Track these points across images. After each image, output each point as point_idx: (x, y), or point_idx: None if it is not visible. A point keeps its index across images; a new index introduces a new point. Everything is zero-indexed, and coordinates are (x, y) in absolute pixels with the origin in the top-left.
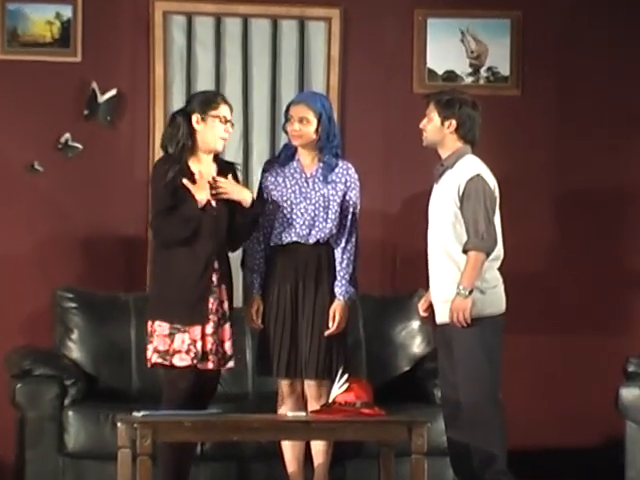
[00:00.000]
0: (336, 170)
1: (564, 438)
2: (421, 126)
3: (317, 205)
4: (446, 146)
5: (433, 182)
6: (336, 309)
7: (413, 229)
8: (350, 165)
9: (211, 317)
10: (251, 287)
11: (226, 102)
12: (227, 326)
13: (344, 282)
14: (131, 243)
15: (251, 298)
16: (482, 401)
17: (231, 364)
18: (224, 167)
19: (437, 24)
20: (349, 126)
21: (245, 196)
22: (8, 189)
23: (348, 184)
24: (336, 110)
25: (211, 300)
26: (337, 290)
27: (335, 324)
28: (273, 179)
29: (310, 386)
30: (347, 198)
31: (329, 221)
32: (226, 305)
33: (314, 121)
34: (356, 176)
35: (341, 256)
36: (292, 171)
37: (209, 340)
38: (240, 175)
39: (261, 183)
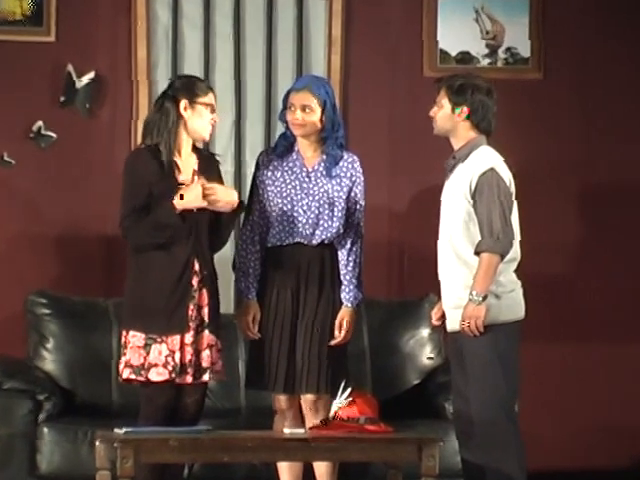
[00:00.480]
0: (341, 163)
1: (590, 458)
2: (431, 113)
3: (321, 202)
4: (458, 136)
5: (443, 178)
6: (344, 317)
7: (422, 227)
8: (355, 158)
9: (191, 325)
10: (246, 292)
11: (212, 89)
12: (205, 334)
13: (352, 287)
14: (111, 243)
15: (246, 304)
16: (497, 418)
17: (206, 377)
18: (205, 159)
19: (449, 1)
20: (352, 114)
21: (233, 198)
22: None
23: (354, 179)
24: (338, 96)
25: (190, 306)
26: (344, 296)
27: (343, 333)
28: (270, 173)
29: (307, 399)
30: (352, 194)
31: (335, 220)
32: (205, 311)
33: (318, 109)
34: (361, 170)
35: (347, 258)
36: (291, 164)
37: (188, 351)
38: (231, 168)
39: (255, 177)
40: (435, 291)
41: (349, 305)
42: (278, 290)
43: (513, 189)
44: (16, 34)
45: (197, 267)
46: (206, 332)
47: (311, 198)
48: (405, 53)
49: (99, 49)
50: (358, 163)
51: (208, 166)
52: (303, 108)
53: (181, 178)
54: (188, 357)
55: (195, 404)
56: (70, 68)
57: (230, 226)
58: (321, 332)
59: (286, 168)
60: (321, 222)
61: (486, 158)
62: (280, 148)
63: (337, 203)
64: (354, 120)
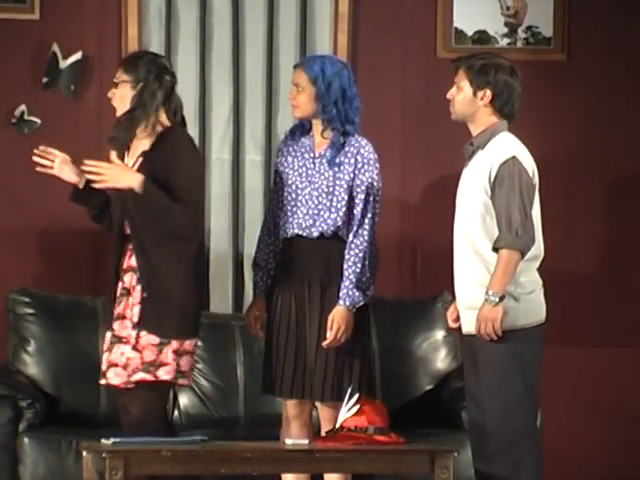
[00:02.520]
0: (346, 149)
1: (614, 474)
2: (449, 96)
3: (320, 191)
4: (478, 121)
5: (460, 163)
6: (334, 316)
7: (437, 220)
8: (365, 142)
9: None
10: (255, 286)
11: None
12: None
13: (348, 284)
14: (99, 237)
15: (254, 299)
16: (512, 430)
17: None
18: (164, 140)
19: None
20: (360, 96)
21: (131, 182)
22: None
23: (359, 165)
24: None
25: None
26: (340, 293)
27: (332, 335)
28: (283, 159)
29: (322, 408)
30: (358, 182)
31: (333, 210)
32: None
33: (310, 88)
34: (372, 156)
35: (348, 252)
36: (302, 150)
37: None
38: (229, 155)
39: (276, 163)
40: (450, 289)
41: (341, 303)
42: (282, 287)
43: (536, 180)
44: None
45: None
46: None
47: (313, 186)
48: (418, 32)
49: (86, 27)
50: (367, 148)
51: (161, 147)
52: (296, 87)
53: (118, 161)
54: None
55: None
56: (55, 48)
57: (145, 219)
58: (322, 332)
59: (298, 153)
60: (320, 213)
61: (508, 145)
62: (295, 132)
63: (337, 192)
64: (362, 104)
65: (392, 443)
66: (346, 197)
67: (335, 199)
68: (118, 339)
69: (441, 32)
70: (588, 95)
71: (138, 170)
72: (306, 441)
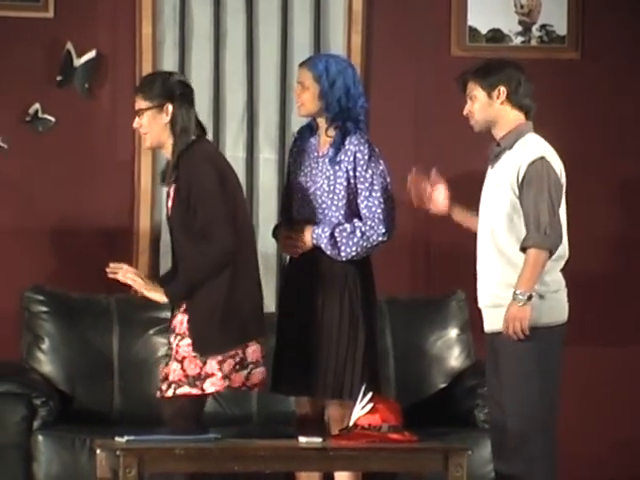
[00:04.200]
0: (346, 147)
1: (624, 473)
2: (465, 112)
3: (322, 190)
4: (501, 122)
5: (474, 165)
6: (299, 231)
7: (450, 219)
8: (364, 140)
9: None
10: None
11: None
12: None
13: (325, 229)
14: (113, 235)
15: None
16: (529, 431)
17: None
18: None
19: None
20: (374, 96)
21: (157, 298)
22: None
23: (361, 162)
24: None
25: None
26: (320, 229)
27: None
28: (292, 159)
29: (330, 406)
30: (361, 179)
31: (334, 209)
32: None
33: (313, 86)
34: (373, 152)
35: (353, 223)
36: (308, 149)
37: None
38: (243, 153)
39: (287, 164)
40: (463, 287)
41: (313, 229)
42: (287, 285)
43: (564, 180)
44: (11, 9)
45: None
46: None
47: (317, 185)
48: (432, 30)
49: (100, 25)
50: (366, 145)
51: (181, 171)
52: (300, 85)
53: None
54: None
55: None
56: (69, 46)
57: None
58: (334, 332)
59: (304, 153)
60: (325, 212)
61: (536, 146)
62: (304, 132)
63: (337, 191)
64: (376, 103)
65: (406, 441)
66: (347, 195)
67: (336, 197)
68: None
69: (455, 30)
70: (600, 94)
71: (173, 202)
72: (319, 439)
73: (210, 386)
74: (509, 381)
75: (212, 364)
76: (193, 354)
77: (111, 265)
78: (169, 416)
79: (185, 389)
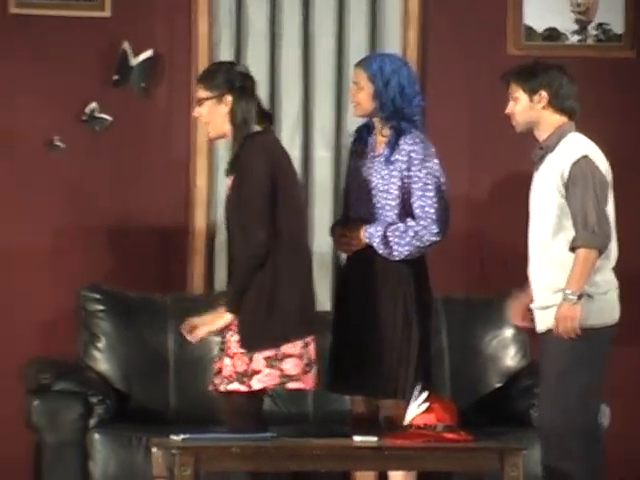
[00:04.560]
0: (400, 147)
1: None
2: (508, 111)
3: (377, 190)
4: (543, 125)
5: (529, 164)
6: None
7: (505, 218)
8: (418, 139)
9: None
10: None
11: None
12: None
13: (378, 225)
14: (168, 234)
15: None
16: (563, 428)
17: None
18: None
19: None
20: (429, 95)
21: (222, 323)
22: (23, 170)
23: (415, 162)
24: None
25: None
26: (373, 229)
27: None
28: (351, 160)
29: (385, 406)
30: (415, 179)
31: (388, 208)
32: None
33: (368, 86)
34: (428, 151)
35: (406, 222)
36: (366, 148)
37: None
38: (299, 152)
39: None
40: (518, 287)
41: (365, 228)
42: (342, 287)
43: (610, 178)
44: (69, 9)
45: None
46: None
47: (371, 185)
48: (488, 29)
49: (157, 25)
50: (421, 144)
51: (236, 164)
52: (356, 85)
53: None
54: None
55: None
56: (126, 46)
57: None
58: (388, 332)
59: (361, 152)
60: (379, 211)
61: (578, 145)
62: (362, 131)
63: (391, 190)
64: (431, 102)
65: (461, 441)
66: (401, 195)
67: (390, 197)
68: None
69: (511, 29)
70: None
71: (230, 194)
72: (374, 438)
73: (257, 383)
74: (544, 379)
75: (259, 361)
76: (241, 350)
77: (183, 330)
78: (227, 413)
79: (234, 385)
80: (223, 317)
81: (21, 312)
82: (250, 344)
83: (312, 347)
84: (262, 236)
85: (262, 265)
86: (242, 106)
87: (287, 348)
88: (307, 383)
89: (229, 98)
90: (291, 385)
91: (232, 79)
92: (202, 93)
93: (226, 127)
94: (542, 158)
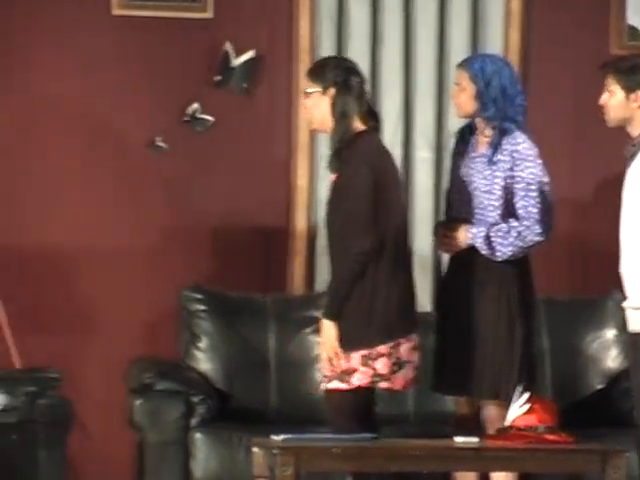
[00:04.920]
0: (503, 147)
1: None
2: (601, 102)
3: (479, 191)
4: (637, 122)
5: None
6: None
7: (607, 218)
8: (522, 139)
9: None
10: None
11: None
12: None
13: (480, 226)
14: (269, 235)
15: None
16: None
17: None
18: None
19: None
20: (531, 95)
21: (329, 341)
22: (125, 170)
23: (517, 162)
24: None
25: None
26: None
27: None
28: (453, 160)
29: (487, 407)
30: (518, 179)
31: (491, 209)
32: None
33: (470, 87)
34: (531, 151)
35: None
36: (468, 149)
37: None
38: (401, 151)
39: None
40: (620, 289)
41: (468, 228)
42: (445, 287)
43: None
44: (171, 10)
45: None
46: None
47: (474, 185)
48: (590, 29)
49: (259, 26)
50: (524, 144)
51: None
52: (457, 86)
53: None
54: None
55: None
56: (228, 46)
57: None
58: (491, 333)
59: (463, 152)
60: (482, 212)
61: None
62: (464, 131)
63: (494, 191)
64: (533, 102)
65: (562, 442)
66: (504, 195)
67: (493, 197)
68: None
69: (614, 29)
70: None
71: (330, 192)
72: (476, 439)
73: (356, 380)
74: (632, 379)
75: (356, 359)
76: (342, 349)
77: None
78: (329, 413)
79: (335, 384)
80: (326, 328)
81: (124, 312)
82: (348, 344)
83: (404, 347)
84: (366, 246)
85: (363, 273)
86: (343, 100)
87: (380, 348)
88: (395, 383)
89: (332, 91)
90: (382, 384)
91: (337, 73)
92: (308, 86)
93: (327, 120)
94: (634, 155)
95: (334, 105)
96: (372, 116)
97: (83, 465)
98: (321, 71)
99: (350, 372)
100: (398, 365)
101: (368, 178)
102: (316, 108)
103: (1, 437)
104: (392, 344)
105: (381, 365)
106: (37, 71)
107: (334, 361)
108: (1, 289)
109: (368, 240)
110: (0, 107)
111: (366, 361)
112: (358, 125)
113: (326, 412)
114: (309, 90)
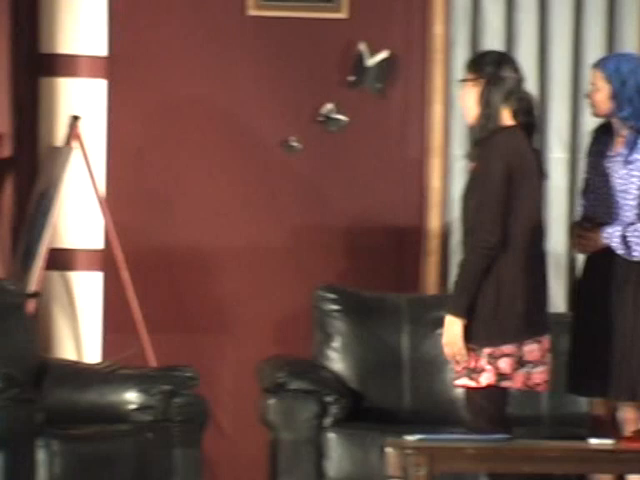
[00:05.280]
0: (639, 146)
1: None
2: None
3: (615, 190)
4: None
5: None
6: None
7: None
8: None
9: None
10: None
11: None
12: None
13: (616, 225)
14: (402, 234)
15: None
16: None
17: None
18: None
19: None
20: None
21: (453, 333)
22: (258, 170)
23: None
24: None
25: None
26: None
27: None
28: (589, 160)
29: (624, 408)
30: None
31: (627, 208)
32: None
33: (605, 87)
34: None
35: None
36: (604, 148)
37: None
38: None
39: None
40: None
41: (603, 232)
42: (582, 288)
43: None
44: (306, 11)
45: None
46: None
47: (609, 184)
48: None
49: (394, 26)
50: None
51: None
52: (593, 86)
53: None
54: None
55: None
56: (362, 47)
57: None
58: (628, 334)
59: (599, 152)
60: (618, 211)
61: None
62: (599, 131)
63: (630, 190)
64: None
65: None
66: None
67: (629, 197)
68: None
69: None
70: None
71: (467, 184)
72: (611, 441)
73: (484, 380)
74: None
75: (485, 358)
76: (471, 346)
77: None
78: (468, 412)
79: (463, 380)
80: (450, 324)
81: (258, 311)
82: (477, 341)
83: (531, 347)
84: (493, 240)
85: (488, 268)
86: (490, 91)
87: (505, 348)
88: (516, 382)
89: (482, 82)
90: (504, 383)
91: (490, 65)
92: (465, 75)
93: (472, 110)
94: None
95: (481, 95)
96: (527, 114)
97: (217, 464)
98: (477, 62)
99: (479, 371)
100: (520, 364)
101: (502, 173)
102: (466, 97)
103: (137, 436)
104: (517, 344)
105: (505, 364)
106: (175, 72)
107: (458, 358)
108: (137, 289)
109: (495, 235)
110: (140, 108)
111: (491, 360)
112: (506, 120)
113: (465, 410)
114: (464, 79)
